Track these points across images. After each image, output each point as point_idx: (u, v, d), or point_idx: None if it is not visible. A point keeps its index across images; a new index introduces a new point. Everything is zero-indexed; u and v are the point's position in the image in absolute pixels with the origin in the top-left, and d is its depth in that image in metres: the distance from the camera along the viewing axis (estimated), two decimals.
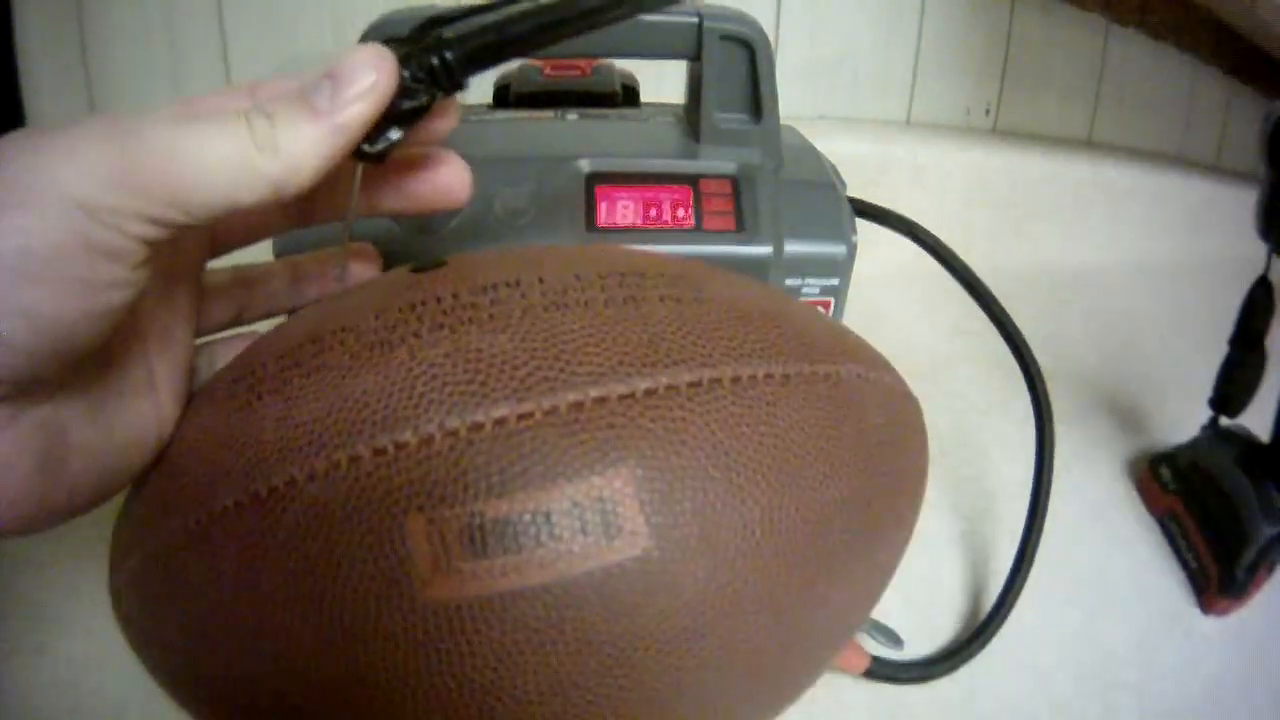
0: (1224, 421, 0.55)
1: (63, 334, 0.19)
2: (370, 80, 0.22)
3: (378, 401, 0.21)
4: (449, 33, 0.24)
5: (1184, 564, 0.53)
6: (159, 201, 0.19)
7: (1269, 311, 0.51)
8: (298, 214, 0.27)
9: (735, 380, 0.23)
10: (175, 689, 0.25)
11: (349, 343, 0.23)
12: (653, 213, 0.37)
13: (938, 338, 0.66)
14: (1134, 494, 0.58)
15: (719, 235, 0.37)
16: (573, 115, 0.44)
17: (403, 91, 0.23)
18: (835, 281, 0.39)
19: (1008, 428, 0.54)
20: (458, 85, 0.24)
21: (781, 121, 0.42)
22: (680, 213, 0.37)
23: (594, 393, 0.21)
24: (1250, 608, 0.51)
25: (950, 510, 0.53)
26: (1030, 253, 0.79)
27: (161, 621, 0.24)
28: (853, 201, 0.43)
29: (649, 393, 0.22)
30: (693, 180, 0.38)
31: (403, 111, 0.23)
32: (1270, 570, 0.50)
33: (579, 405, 0.21)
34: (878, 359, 0.29)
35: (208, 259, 0.27)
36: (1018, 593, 0.45)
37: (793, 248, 0.38)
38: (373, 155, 0.23)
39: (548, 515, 0.20)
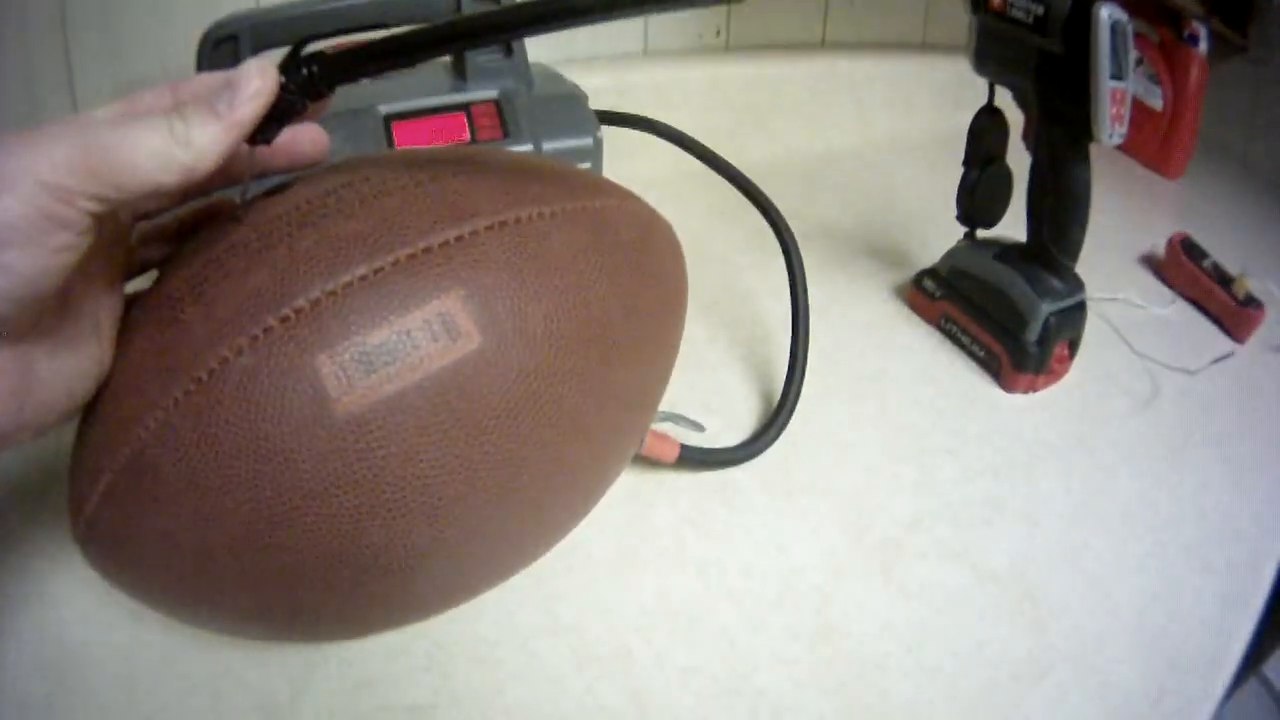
0: (980, 234, 0.59)
1: (29, 285, 0.24)
2: (256, 85, 0.27)
3: (275, 286, 0.27)
4: (316, 51, 0.29)
5: (971, 354, 0.58)
6: (103, 183, 0.24)
7: (1000, 133, 0.56)
8: (195, 192, 0.33)
9: (517, 220, 0.30)
10: (157, 594, 0.29)
11: (240, 253, 0.28)
12: (437, 135, 0.49)
13: (701, 220, 0.72)
14: (906, 311, 0.63)
15: (491, 143, 0.50)
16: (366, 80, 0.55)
17: (281, 98, 0.28)
18: (588, 165, 0.53)
19: (772, 279, 0.57)
20: (323, 93, 0.29)
21: (533, 63, 0.55)
22: (459, 132, 0.50)
23: (421, 245, 0.28)
24: (1064, 384, 0.56)
25: (731, 342, 0.59)
26: (777, 147, 0.85)
27: (141, 526, 0.27)
28: (598, 113, 0.57)
29: (458, 239, 0.29)
30: (464, 107, 0.51)
31: (282, 111, 0.28)
32: (1071, 348, 0.56)
33: (413, 256, 0.28)
34: (626, 193, 0.36)
35: (133, 226, 0.33)
36: (800, 377, 0.51)
37: (550, 144, 0.51)
38: (261, 141, 0.29)
39: (409, 333, 0.27)
